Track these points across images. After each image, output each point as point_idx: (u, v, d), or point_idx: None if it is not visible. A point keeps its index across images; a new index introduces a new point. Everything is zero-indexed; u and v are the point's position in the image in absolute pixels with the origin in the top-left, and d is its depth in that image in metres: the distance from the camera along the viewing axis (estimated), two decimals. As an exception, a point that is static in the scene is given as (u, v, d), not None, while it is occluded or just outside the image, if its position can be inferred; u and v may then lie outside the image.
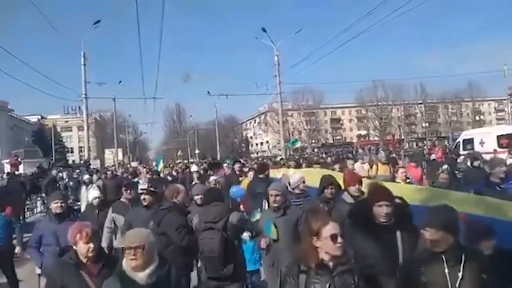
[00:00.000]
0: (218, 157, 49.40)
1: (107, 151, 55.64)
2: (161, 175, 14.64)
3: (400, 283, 2.71)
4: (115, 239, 5.28)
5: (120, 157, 51.71)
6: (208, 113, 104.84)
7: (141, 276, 2.47)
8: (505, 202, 3.60)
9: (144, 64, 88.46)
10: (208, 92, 38.28)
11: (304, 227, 2.78)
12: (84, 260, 2.90)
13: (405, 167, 7.80)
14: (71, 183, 16.89)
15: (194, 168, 15.26)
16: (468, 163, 10.92)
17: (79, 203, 11.04)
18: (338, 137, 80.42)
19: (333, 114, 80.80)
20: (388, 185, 4.84)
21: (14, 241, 6.18)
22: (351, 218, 3.18)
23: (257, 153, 74.06)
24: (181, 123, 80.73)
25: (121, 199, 5.57)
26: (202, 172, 12.91)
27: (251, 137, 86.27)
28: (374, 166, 10.42)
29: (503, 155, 14.76)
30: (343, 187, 4.48)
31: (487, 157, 13.08)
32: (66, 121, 73.23)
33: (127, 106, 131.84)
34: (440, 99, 73.16)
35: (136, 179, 11.16)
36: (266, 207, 4.72)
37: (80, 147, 68.19)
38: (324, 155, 34.89)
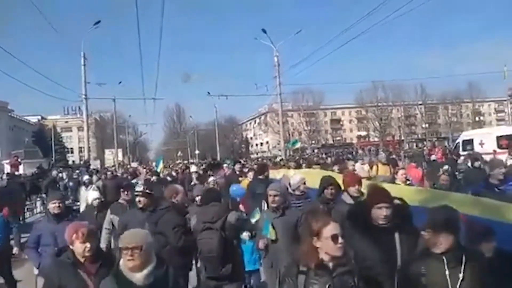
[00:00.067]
0: (218, 158, 49.41)
1: (107, 152, 55.65)
2: (161, 175, 14.64)
3: (400, 284, 2.70)
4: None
5: (120, 157, 51.73)
6: (208, 114, 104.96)
7: (138, 277, 2.45)
8: (504, 204, 3.59)
9: (144, 65, 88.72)
10: (208, 93, 38.24)
11: (304, 227, 2.76)
12: (82, 260, 2.88)
13: (405, 168, 7.78)
14: (71, 183, 16.90)
15: (193, 168, 15.27)
16: (469, 164, 10.91)
17: (78, 203, 11.04)
18: (338, 138, 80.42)
19: (333, 114, 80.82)
20: (388, 186, 4.86)
21: (12, 242, 6.16)
22: (349, 220, 3.16)
23: (257, 154, 74.06)
24: (181, 124, 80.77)
25: (119, 201, 5.55)
26: (202, 172, 12.91)
27: (251, 138, 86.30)
28: (374, 167, 10.43)
29: (503, 156, 14.76)
30: (342, 188, 4.47)
31: (487, 158, 13.09)
32: (66, 122, 73.31)
33: (127, 106, 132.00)
34: (440, 100, 73.22)
35: (135, 180, 11.17)
36: (266, 208, 4.72)
37: (80, 148, 68.19)
38: (324, 156, 34.88)
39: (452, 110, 74.45)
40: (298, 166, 12.70)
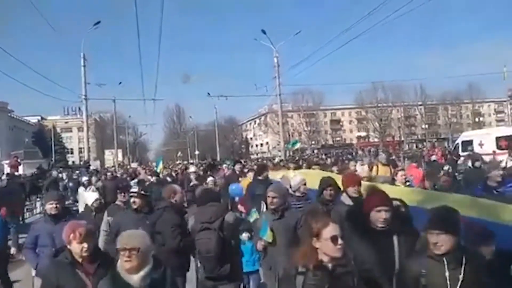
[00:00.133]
0: (218, 158, 49.42)
1: (107, 152, 55.66)
2: (161, 176, 14.66)
3: (399, 285, 2.69)
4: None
5: (120, 158, 51.75)
6: (208, 114, 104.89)
7: (135, 279, 2.44)
8: (504, 205, 3.59)
9: (144, 65, 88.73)
10: (208, 93, 38.29)
11: (304, 228, 2.76)
12: (80, 260, 2.86)
13: (404, 169, 7.79)
14: (70, 184, 16.90)
15: (191, 169, 15.30)
16: (469, 164, 10.91)
17: (78, 204, 11.04)
18: (338, 139, 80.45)
19: (333, 115, 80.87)
20: (387, 187, 4.85)
21: (10, 242, 6.14)
22: (348, 221, 3.14)
23: (257, 154, 74.06)
24: (181, 124, 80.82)
25: (116, 202, 5.51)
26: (201, 173, 12.93)
27: (251, 138, 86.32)
28: (375, 168, 10.44)
29: (502, 156, 14.78)
30: (342, 189, 4.44)
31: (487, 158, 13.09)
32: (66, 122, 73.30)
33: (127, 107, 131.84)
34: (440, 100, 73.29)
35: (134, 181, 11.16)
36: (265, 209, 4.71)
37: (80, 148, 68.19)
38: (324, 157, 34.88)
39: (452, 111, 74.49)
40: (298, 167, 12.70)
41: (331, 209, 4.18)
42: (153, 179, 11.50)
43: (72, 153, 73.69)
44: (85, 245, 2.84)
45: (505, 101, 71.35)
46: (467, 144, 20.11)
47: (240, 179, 9.04)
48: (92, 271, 2.84)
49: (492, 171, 5.00)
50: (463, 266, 2.36)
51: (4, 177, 15.67)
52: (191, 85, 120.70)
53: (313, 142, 72.03)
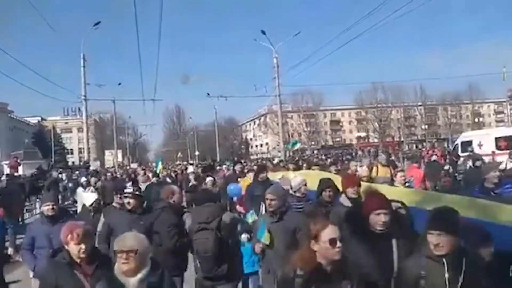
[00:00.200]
0: (218, 159, 49.43)
1: (107, 153, 55.69)
2: (160, 176, 14.69)
3: (398, 287, 2.67)
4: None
5: (120, 158, 51.74)
6: (207, 115, 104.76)
7: (132, 282, 2.41)
8: (502, 205, 3.59)
9: (143, 66, 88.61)
10: (208, 94, 38.35)
11: (303, 229, 2.73)
12: (78, 261, 2.84)
13: (404, 170, 7.80)
14: (70, 184, 16.94)
15: (190, 169, 15.35)
16: (470, 164, 10.92)
17: (77, 204, 11.05)
18: (338, 139, 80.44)
19: (332, 116, 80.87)
20: (386, 188, 4.86)
21: (7, 243, 6.12)
22: (347, 223, 3.11)
23: (256, 155, 74.05)
24: (180, 125, 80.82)
25: (113, 204, 5.43)
26: (200, 173, 12.94)
27: (250, 139, 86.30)
28: (374, 168, 10.43)
29: (501, 157, 14.78)
30: (341, 190, 4.43)
31: (486, 159, 13.09)
32: (66, 123, 73.25)
33: (127, 107, 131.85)
34: (439, 101, 73.29)
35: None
36: (264, 211, 4.71)
37: (80, 149, 68.18)
38: (323, 157, 34.91)
39: (451, 111, 74.51)
40: (298, 168, 12.70)
41: (330, 211, 4.17)
42: (153, 179, 11.50)
43: (72, 153, 73.68)
44: (82, 246, 2.82)
45: (504, 101, 71.46)
46: (467, 144, 20.10)
47: (239, 179, 9.05)
48: (90, 272, 2.83)
49: (489, 173, 4.99)
50: (463, 268, 2.34)
51: (3, 177, 15.69)
52: (191, 85, 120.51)
53: (312, 143, 72.03)
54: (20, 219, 12.59)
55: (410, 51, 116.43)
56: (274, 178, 7.24)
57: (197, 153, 62.14)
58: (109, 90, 67.54)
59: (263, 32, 29.76)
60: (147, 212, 4.87)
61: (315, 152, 59.79)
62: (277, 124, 42.28)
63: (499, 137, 19.40)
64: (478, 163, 9.63)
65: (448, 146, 39.53)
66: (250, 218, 4.90)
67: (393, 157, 24.02)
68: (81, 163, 41.98)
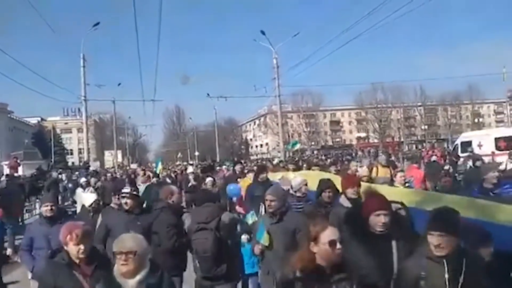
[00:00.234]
0: (218, 159, 49.42)
1: (106, 153, 55.69)
2: (160, 176, 14.70)
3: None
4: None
5: (120, 159, 51.72)
6: (207, 115, 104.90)
7: (131, 284, 2.39)
8: (501, 205, 3.59)
9: (143, 66, 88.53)
10: (208, 94, 38.39)
11: (303, 231, 2.71)
12: (77, 261, 2.83)
13: (403, 170, 7.80)
14: (70, 185, 16.94)
15: (189, 169, 15.36)
16: (470, 164, 10.92)
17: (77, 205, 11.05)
18: (338, 139, 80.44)
19: (332, 116, 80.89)
20: (385, 188, 4.85)
21: (6, 244, 6.10)
22: (346, 225, 3.10)
23: (256, 155, 74.05)
24: (180, 125, 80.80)
25: (111, 205, 5.42)
26: (200, 174, 12.96)
27: (250, 139, 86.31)
28: (374, 169, 10.43)
29: (501, 157, 14.78)
30: (340, 190, 4.42)
31: (486, 159, 13.09)
32: (66, 123, 73.22)
33: (127, 108, 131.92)
34: (439, 101, 73.32)
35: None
36: (263, 212, 4.70)
37: (80, 149, 68.17)
38: (323, 157, 34.91)
39: (451, 112, 74.55)
40: (298, 168, 12.69)
41: (330, 211, 4.16)
42: (153, 180, 11.51)
43: (71, 154, 73.64)
44: (81, 246, 2.81)
45: (504, 102, 71.46)
46: (466, 145, 20.12)
47: (239, 179, 9.04)
48: (90, 273, 2.82)
49: (488, 173, 4.98)
50: (463, 268, 2.33)
51: (3, 178, 15.68)
52: (191, 86, 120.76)
53: (312, 143, 72.05)
54: (19, 220, 12.58)
55: (410, 51, 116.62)
56: (274, 179, 7.25)
57: (197, 153, 62.14)
58: (109, 90, 67.77)
59: (263, 33, 29.83)
60: (146, 212, 4.87)
61: (315, 152, 59.79)
62: (277, 124, 42.32)
63: (499, 138, 19.43)
64: (478, 163, 9.63)
65: (448, 147, 39.54)
66: (251, 219, 4.89)
67: (393, 158, 24.02)
68: (81, 164, 41.99)
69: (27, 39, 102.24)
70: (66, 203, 16.02)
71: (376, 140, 70.80)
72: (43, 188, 15.65)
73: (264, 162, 27.00)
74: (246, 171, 10.78)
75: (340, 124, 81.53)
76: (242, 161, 19.23)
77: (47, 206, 4.56)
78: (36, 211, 16.17)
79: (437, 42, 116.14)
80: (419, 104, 73.02)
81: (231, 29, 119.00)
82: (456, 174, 11.17)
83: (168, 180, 13.47)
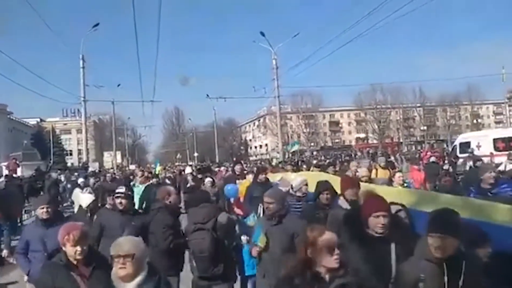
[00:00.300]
0: (217, 160, 49.42)
1: (105, 154, 55.70)
2: (159, 177, 14.73)
3: None
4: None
5: (119, 160, 51.70)
6: (206, 116, 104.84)
7: (129, 287, 2.37)
8: (498, 205, 3.60)
9: (142, 67, 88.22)
10: (207, 95, 38.46)
11: (300, 236, 2.61)
12: (74, 262, 2.81)
13: (402, 171, 7.83)
14: (68, 185, 16.92)
15: (188, 170, 15.39)
16: (471, 164, 10.93)
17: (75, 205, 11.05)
18: (337, 140, 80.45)
19: (331, 117, 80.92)
20: (385, 188, 4.85)
21: (2, 245, 6.07)
22: (345, 227, 3.08)
23: (256, 156, 74.07)
24: (180, 126, 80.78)
25: (106, 206, 5.40)
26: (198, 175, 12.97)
27: (250, 140, 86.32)
28: (374, 170, 10.45)
29: (499, 158, 14.82)
30: (339, 192, 4.37)
31: (484, 160, 13.11)
32: (65, 124, 73.20)
33: (126, 109, 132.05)
34: (438, 102, 73.37)
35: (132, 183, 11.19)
36: (262, 213, 4.70)
37: (79, 150, 68.13)
38: (323, 158, 34.92)
39: (450, 113, 74.62)
40: (296, 169, 12.68)
41: (328, 213, 4.13)
42: (153, 180, 11.52)
43: (71, 155, 73.54)
44: (78, 248, 2.79)
45: (503, 103, 71.53)
46: (465, 145, 20.18)
47: (238, 181, 9.04)
48: (88, 274, 2.80)
49: (484, 174, 4.99)
50: (462, 270, 2.31)
51: (2, 179, 15.66)
52: (190, 86, 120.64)
53: (312, 144, 72.09)
54: (18, 221, 12.57)
55: (410, 51, 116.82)
56: (273, 180, 7.26)
57: (196, 154, 62.13)
58: (108, 91, 67.45)
59: (262, 34, 29.83)
60: (145, 212, 4.90)
61: (314, 153, 59.83)
62: (276, 125, 42.35)
63: (497, 138, 19.50)
64: (479, 164, 9.65)
65: (447, 147, 39.61)
66: (251, 220, 4.90)
67: (392, 158, 24.04)
68: (80, 165, 41.95)
69: (26, 40, 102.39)
70: (65, 204, 16.02)
71: (375, 141, 70.88)
72: (42, 189, 15.63)
73: (262, 163, 27.00)
74: (245, 171, 10.78)
75: (340, 125, 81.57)
76: (242, 162, 19.24)
77: (43, 208, 4.46)
78: (34, 212, 16.13)
79: (437, 42, 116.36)
80: (418, 105, 73.10)
81: (231, 30, 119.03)
82: (456, 175, 11.19)
83: (167, 181, 13.49)
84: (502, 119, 75.59)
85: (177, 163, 51.89)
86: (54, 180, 16.77)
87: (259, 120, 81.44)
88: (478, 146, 19.27)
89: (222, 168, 18.98)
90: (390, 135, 73.41)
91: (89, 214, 5.82)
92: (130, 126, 66.95)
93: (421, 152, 32.39)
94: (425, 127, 73.18)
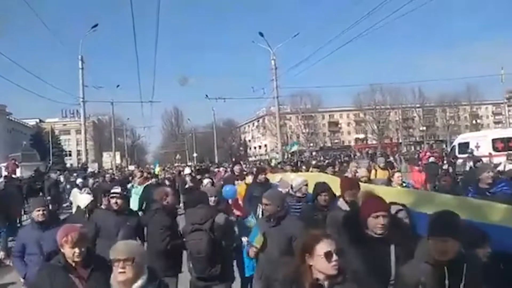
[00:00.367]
0: (216, 161, 49.41)
1: (105, 155, 55.63)
2: (159, 177, 14.74)
3: None
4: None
5: (118, 160, 51.68)
6: (206, 117, 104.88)
7: None
8: (497, 205, 3.61)
9: (141, 67, 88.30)
10: (206, 96, 38.42)
11: (297, 243, 2.53)
12: (73, 264, 2.79)
13: (400, 171, 7.85)
14: (68, 186, 16.92)
15: (186, 171, 15.39)
16: (471, 165, 10.95)
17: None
18: (336, 141, 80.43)
19: (331, 117, 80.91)
20: (383, 188, 4.86)
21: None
22: (343, 228, 3.05)
23: (255, 157, 74.07)
24: (179, 127, 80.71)
25: (102, 206, 5.41)
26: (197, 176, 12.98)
27: (249, 141, 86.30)
28: (373, 171, 10.47)
29: (498, 158, 14.84)
30: (339, 193, 4.34)
31: (483, 160, 13.13)
32: (64, 125, 73.17)
33: (125, 109, 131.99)
34: (438, 102, 73.38)
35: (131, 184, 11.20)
36: (261, 214, 4.70)
37: (78, 151, 67.99)
38: (322, 159, 34.94)
39: (450, 113, 74.63)
40: (296, 169, 12.69)
41: (327, 215, 4.10)
42: (152, 180, 11.53)
43: (70, 155, 73.45)
44: (76, 250, 2.77)
45: (502, 103, 71.60)
46: (464, 146, 20.19)
47: (237, 181, 9.04)
48: (86, 276, 2.78)
49: (482, 173, 5.01)
50: (463, 273, 2.28)
51: (1, 179, 15.64)
52: (189, 87, 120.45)
53: (311, 144, 72.10)
54: (18, 221, 12.57)
55: (409, 51, 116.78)
56: (273, 180, 7.27)
57: (195, 154, 62.11)
58: (107, 92, 67.46)
59: (261, 34, 29.82)
60: (145, 212, 4.91)
61: (313, 153, 59.84)
62: (275, 125, 42.32)
63: (496, 139, 19.52)
64: (479, 165, 9.68)
65: (446, 148, 39.65)
66: (251, 221, 4.90)
67: (391, 159, 24.08)
68: (79, 165, 41.93)
69: (25, 41, 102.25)
70: (65, 205, 16.01)
71: (374, 141, 70.91)
72: (41, 190, 15.62)
73: (262, 164, 26.98)
74: (245, 172, 10.77)
75: (339, 126, 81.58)
76: (241, 162, 19.23)
77: (39, 210, 4.41)
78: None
79: (436, 42, 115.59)
80: (418, 105, 73.14)
81: (230, 30, 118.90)
82: (456, 175, 11.22)
83: (167, 182, 13.50)
84: (501, 119, 75.70)
85: (176, 164, 51.86)
86: (55, 180, 16.76)
87: (258, 121, 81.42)
88: (477, 147, 19.29)
89: (221, 168, 19.00)
90: (389, 136, 73.48)
91: (87, 215, 5.81)
92: (129, 127, 67.04)
93: (420, 152, 32.44)
94: (424, 128, 73.18)
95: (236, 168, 10.38)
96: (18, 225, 12.07)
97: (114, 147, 47.58)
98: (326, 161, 24.80)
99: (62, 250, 2.82)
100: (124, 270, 2.32)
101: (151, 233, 4.41)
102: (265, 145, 77.04)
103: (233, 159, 44.69)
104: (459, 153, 19.76)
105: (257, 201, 5.48)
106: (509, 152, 13.58)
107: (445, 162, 20.45)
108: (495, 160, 15.17)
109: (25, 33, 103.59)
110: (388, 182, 7.38)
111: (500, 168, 10.69)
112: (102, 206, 5.35)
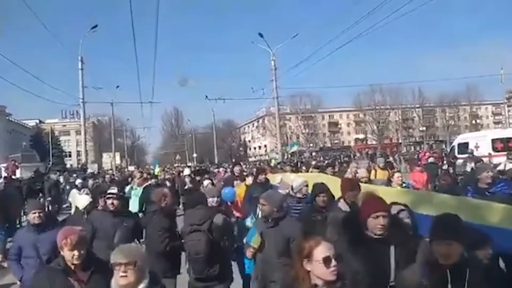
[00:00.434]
0: (216, 161, 49.41)
1: (104, 155, 55.64)
2: (158, 178, 14.74)
3: None
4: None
5: (118, 161, 51.69)
6: (205, 117, 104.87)
7: None
8: (496, 204, 3.60)
9: (141, 68, 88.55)
10: (206, 96, 38.41)
11: (295, 247, 2.48)
12: (72, 267, 2.77)
13: (400, 171, 7.85)
14: (67, 187, 16.91)
15: (186, 171, 15.39)
16: (472, 165, 10.94)
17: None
18: (336, 141, 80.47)
19: (331, 118, 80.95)
20: (383, 188, 4.85)
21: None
22: (343, 230, 3.03)
23: (255, 157, 74.06)
24: (179, 127, 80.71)
25: (98, 207, 5.35)
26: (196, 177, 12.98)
27: (249, 141, 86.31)
28: (373, 172, 10.47)
29: (498, 159, 14.84)
30: (340, 194, 4.31)
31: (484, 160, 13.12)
32: (64, 125, 73.21)
33: (125, 110, 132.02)
34: (437, 103, 73.41)
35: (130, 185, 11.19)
36: (260, 214, 4.69)
37: (78, 151, 68.02)
38: (322, 159, 34.93)
39: (449, 113, 74.66)
40: (296, 170, 12.68)
41: (325, 216, 4.08)
42: (152, 181, 11.52)
43: (70, 156, 73.47)
44: (75, 252, 2.75)
45: (502, 103, 71.70)
46: (464, 146, 20.19)
47: (236, 182, 9.02)
48: (85, 279, 2.76)
49: (481, 173, 5.00)
50: (466, 277, 2.24)
51: (1, 180, 15.63)
52: (189, 88, 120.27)
53: (311, 145, 72.12)
54: (18, 222, 12.56)
55: (409, 52, 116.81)
56: (273, 181, 7.26)
57: (195, 155, 62.09)
58: (107, 92, 67.51)
59: (261, 35, 29.83)
60: (144, 213, 4.91)
61: (313, 154, 59.82)
62: (275, 126, 42.31)
63: (496, 139, 19.52)
64: (479, 165, 9.68)
65: (446, 148, 39.65)
66: (250, 222, 4.90)
67: (391, 159, 24.09)
68: (79, 166, 41.93)
69: (25, 41, 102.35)
70: (64, 205, 16.01)
71: (374, 142, 70.91)
72: (41, 191, 15.62)
73: (261, 164, 26.98)
74: (245, 173, 10.76)
75: (339, 126, 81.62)
76: (241, 163, 19.22)
77: (35, 213, 4.33)
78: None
79: (436, 42, 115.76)
80: (417, 105, 73.16)
81: (230, 30, 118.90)
82: (456, 175, 11.22)
83: (167, 183, 13.50)
84: (501, 119, 75.80)
85: (176, 164, 51.85)
86: (54, 181, 16.75)
87: (258, 121, 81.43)
88: (477, 147, 19.28)
89: (221, 169, 19.00)
90: (389, 136, 73.47)
91: (85, 216, 5.79)
92: (129, 128, 67.03)
93: (420, 152, 32.44)
94: (424, 128, 73.18)
95: (236, 168, 10.36)
96: (18, 226, 12.09)
97: (114, 147, 47.58)
98: (326, 162, 24.79)
99: (61, 252, 2.80)
100: (126, 274, 2.29)
101: (149, 235, 4.41)
102: (265, 146, 77.04)
103: (233, 160, 44.66)
104: (459, 153, 19.76)
105: (257, 201, 5.48)
106: (509, 152, 13.59)
107: (444, 162, 20.48)
108: (495, 160, 15.18)
109: (25, 33, 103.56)
110: (388, 183, 7.39)
111: (501, 167, 10.69)
112: (99, 207, 5.30)
